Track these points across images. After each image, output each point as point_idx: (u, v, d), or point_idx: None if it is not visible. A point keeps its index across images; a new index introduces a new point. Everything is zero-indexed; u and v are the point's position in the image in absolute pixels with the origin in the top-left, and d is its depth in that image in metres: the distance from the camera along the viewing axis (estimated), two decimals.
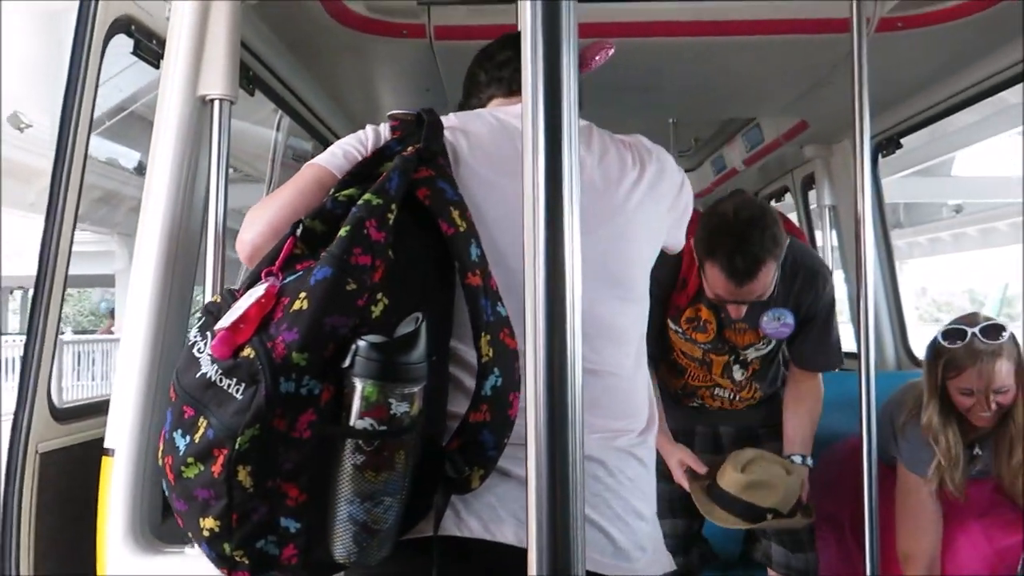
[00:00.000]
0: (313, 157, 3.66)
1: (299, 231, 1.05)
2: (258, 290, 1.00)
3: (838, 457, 2.37)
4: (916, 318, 18.63)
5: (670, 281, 2.17)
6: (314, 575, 1.02)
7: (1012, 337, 2.02)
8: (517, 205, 1.17)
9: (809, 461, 2.17)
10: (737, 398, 2.38)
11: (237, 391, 0.96)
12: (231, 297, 1.04)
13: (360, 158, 1.23)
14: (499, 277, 1.10)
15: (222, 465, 0.95)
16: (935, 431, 2.08)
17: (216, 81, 1.79)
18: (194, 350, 1.03)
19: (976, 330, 2.01)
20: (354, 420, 0.94)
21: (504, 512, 1.08)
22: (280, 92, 2.53)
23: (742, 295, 1.99)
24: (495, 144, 1.24)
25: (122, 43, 1.94)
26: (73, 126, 1.77)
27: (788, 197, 4.49)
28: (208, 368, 0.99)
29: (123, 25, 1.87)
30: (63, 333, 13.54)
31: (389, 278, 1.02)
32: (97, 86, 1.83)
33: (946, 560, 2.15)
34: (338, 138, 3.45)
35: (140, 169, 9.40)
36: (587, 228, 1.22)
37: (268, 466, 0.95)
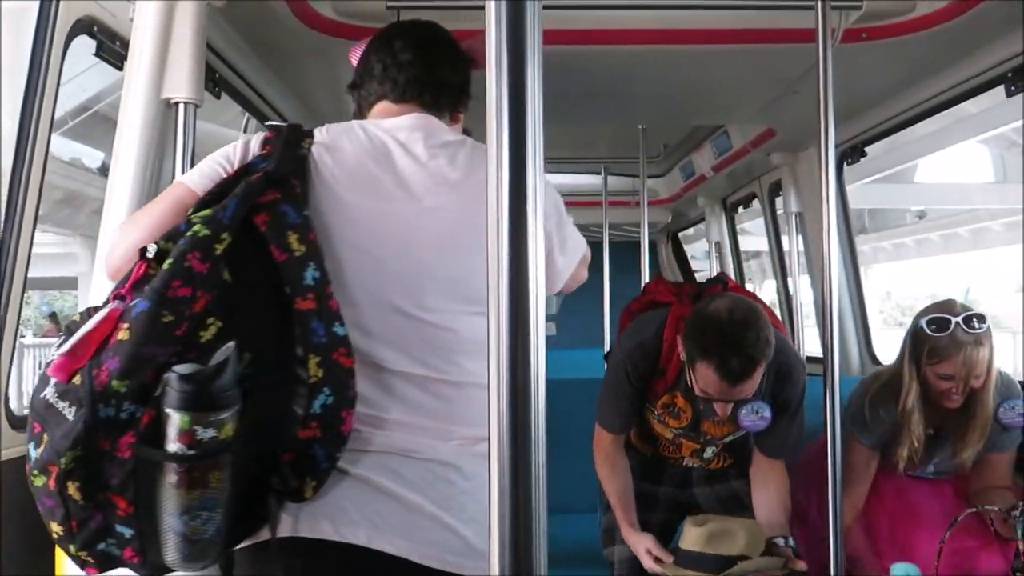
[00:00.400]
0: None
1: (150, 253, 1.09)
2: (101, 314, 1.07)
3: (807, 456, 2.40)
4: (881, 322, 18.94)
5: (649, 369, 2.21)
6: (157, 572, 1.12)
7: (987, 333, 2.12)
8: (373, 226, 1.21)
9: (791, 542, 2.13)
10: (704, 470, 2.42)
11: (69, 413, 1.04)
12: (88, 317, 1.09)
13: (225, 175, 1.24)
14: (342, 296, 1.16)
15: (55, 480, 1.05)
16: (909, 413, 2.17)
17: (181, 84, 1.77)
18: (48, 368, 1.08)
19: (960, 319, 2.09)
20: (168, 444, 1.03)
21: (357, 515, 1.14)
22: (247, 95, 2.50)
23: (733, 395, 2.01)
24: (359, 164, 1.27)
25: (86, 41, 1.91)
26: (33, 127, 1.73)
27: (756, 203, 4.55)
28: (48, 389, 1.06)
29: (85, 26, 1.84)
30: (24, 337, 13.27)
31: (222, 303, 1.09)
32: (58, 87, 1.79)
33: (907, 558, 2.19)
34: None
35: (104, 170, 9.26)
36: (453, 248, 1.19)
37: (96, 481, 1.04)
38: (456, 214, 1.24)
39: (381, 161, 1.27)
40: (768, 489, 2.26)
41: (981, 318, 2.10)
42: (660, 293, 2.37)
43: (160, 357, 1.04)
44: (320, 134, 1.31)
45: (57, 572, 1.71)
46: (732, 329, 1.95)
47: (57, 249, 12.35)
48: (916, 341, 2.17)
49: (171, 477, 1.03)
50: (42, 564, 1.76)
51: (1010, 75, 2.29)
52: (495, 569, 0.52)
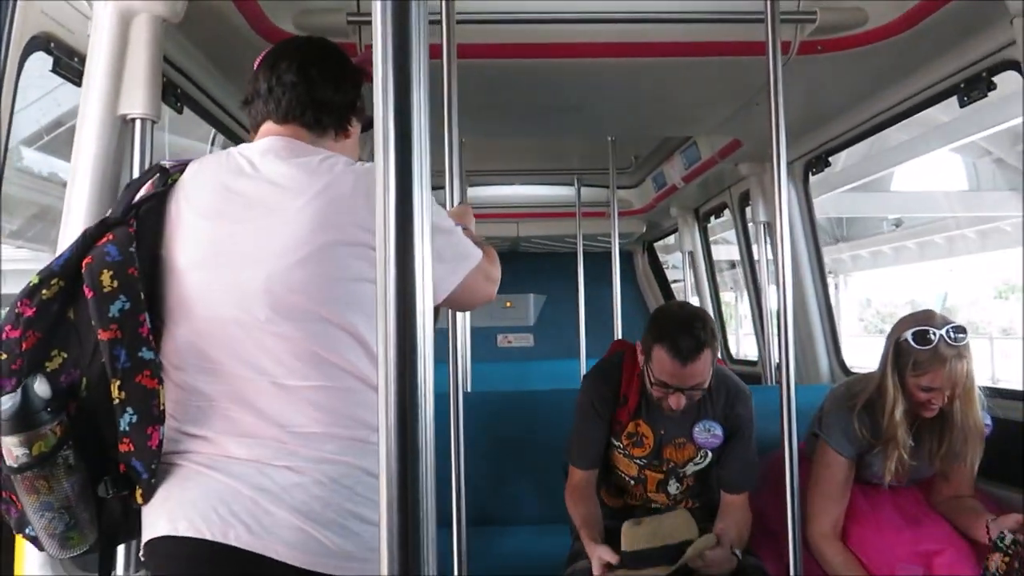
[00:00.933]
0: None
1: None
2: None
3: (774, 466, 2.41)
4: (862, 329, 19.06)
5: (612, 396, 2.36)
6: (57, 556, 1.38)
7: (966, 346, 2.12)
8: (220, 246, 1.31)
9: (738, 552, 2.19)
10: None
11: None
12: None
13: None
14: (184, 313, 1.31)
15: None
16: (896, 426, 2.16)
17: (137, 100, 1.77)
18: None
19: (943, 332, 2.09)
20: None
21: (191, 511, 1.27)
22: (210, 109, 2.50)
23: (685, 377, 2.17)
24: (214, 189, 1.36)
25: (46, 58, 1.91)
26: None
27: (727, 212, 4.59)
28: None
29: (41, 42, 1.84)
30: None
31: (64, 337, 1.28)
32: (14, 102, 1.78)
33: (879, 560, 2.20)
34: None
35: None
36: (297, 260, 1.27)
37: None
38: (302, 227, 1.29)
39: (233, 183, 1.36)
40: (726, 518, 2.30)
41: (962, 330, 2.12)
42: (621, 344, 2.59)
43: (6, 388, 1.22)
44: (191, 167, 1.41)
45: (16, 570, 1.70)
46: (682, 317, 2.22)
47: (32, 265, 12.25)
48: (899, 353, 2.16)
49: (16, 486, 1.25)
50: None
51: (963, 85, 2.33)
52: (384, 570, 0.53)
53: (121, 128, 1.80)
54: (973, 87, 2.29)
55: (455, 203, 1.91)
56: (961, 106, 2.36)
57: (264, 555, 1.23)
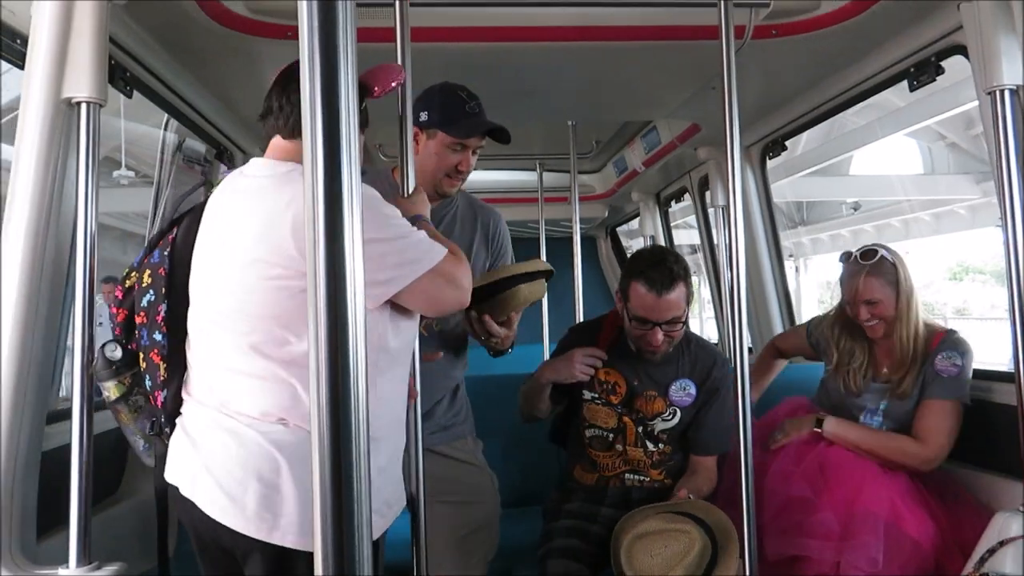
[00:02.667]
0: (205, 159, 3.54)
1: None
2: None
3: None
4: (822, 310, 19.35)
5: (589, 341, 2.50)
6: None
7: (887, 260, 2.42)
8: (209, 250, 1.55)
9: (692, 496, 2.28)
10: (647, 479, 2.47)
11: None
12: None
13: None
14: (192, 306, 1.59)
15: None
16: (836, 334, 2.55)
17: (82, 83, 1.73)
18: None
19: (856, 253, 2.46)
20: None
21: (177, 465, 1.58)
22: (162, 93, 2.45)
23: (661, 309, 2.29)
24: (214, 199, 1.62)
25: None
26: None
27: (688, 197, 4.62)
28: None
29: None
30: None
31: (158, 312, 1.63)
32: None
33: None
34: (229, 140, 3.35)
35: None
36: (241, 263, 1.52)
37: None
38: (253, 232, 1.49)
39: (225, 198, 1.60)
40: (693, 478, 2.39)
41: (871, 253, 2.43)
42: None
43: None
44: (223, 183, 1.65)
45: None
46: (656, 253, 2.41)
47: None
48: (842, 283, 2.51)
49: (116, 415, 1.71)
50: None
51: (912, 70, 2.37)
52: (319, 569, 0.53)
53: (67, 112, 1.76)
54: (922, 71, 2.33)
55: (413, 188, 1.90)
56: (911, 90, 2.40)
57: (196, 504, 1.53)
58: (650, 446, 2.45)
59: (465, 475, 2.27)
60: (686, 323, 2.39)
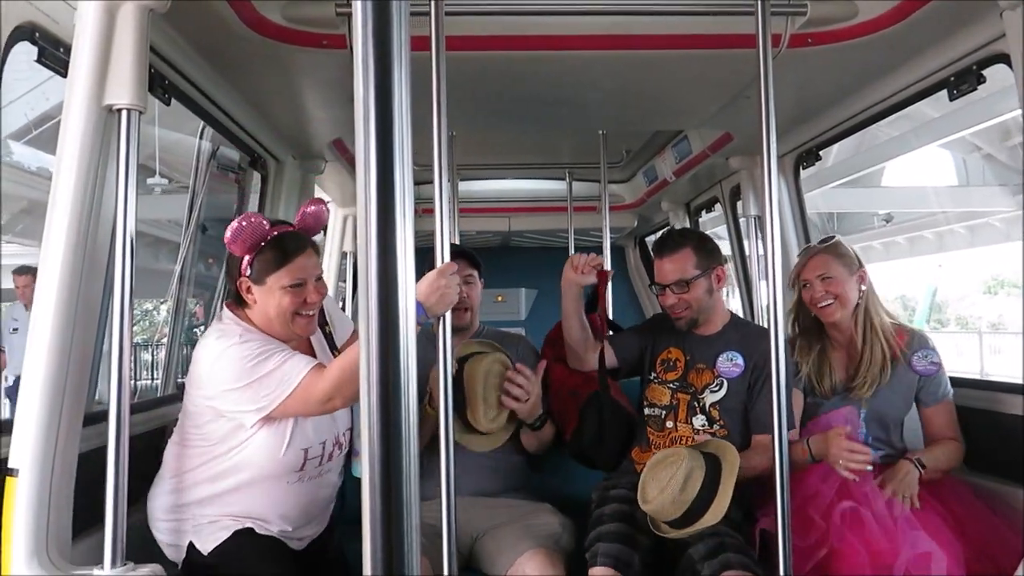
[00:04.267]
0: (239, 167, 3.60)
1: None
2: None
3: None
4: None
5: (656, 335, 2.65)
6: None
7: (844, 245, 2.49)
8: None
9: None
10: None
11: None
12: None
13: None
14: None
15: None
16: (795, 335, 2.54)
17: (123, 90, 1.75)
18: None
19: (813, 243, 2.55)
20: None
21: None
22: (199, 101, 2.48)
23: (664, 271, 2.51)
24: None
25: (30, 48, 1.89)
26: None
27: (719, 207, 4.59)
28: None
29: (26, 32, 1.82)
30: None
31: None
32: None
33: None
34: (263, 148, 3.40)
35: None
36: None
37: None
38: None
39: None
40: (748, 452, 2.39)
41: (831, 238, 2.51)
42: None
43: None
44: None
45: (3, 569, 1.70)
46: (665, 231, 2.72)
47: (21, 260, 12.15)
48: (793, 273, 2.55)
49: None
50: None
51: (952, 79, 2.33)
52: (368, 568, 0.53)
53: (107, 119, 1.78)
54: (963, 80, 2.29)
55: (445, 197, 1.89)
56: (951, 99, 2.36)
57: None
58: (696, 423, 2.47)
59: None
60: (708, 292, 2.51)
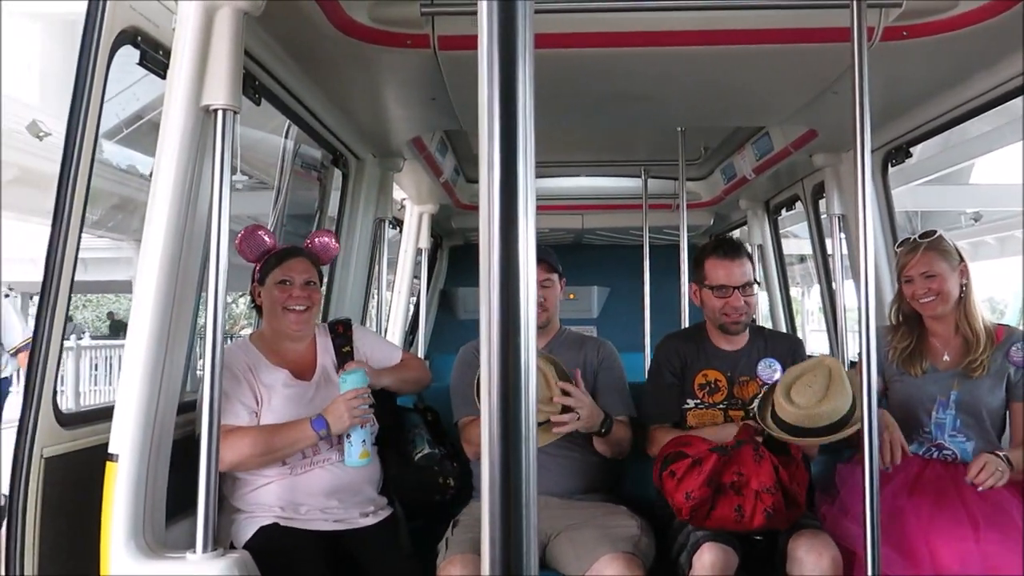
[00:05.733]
0: (322, 165, 3.70)
1: None
2: None
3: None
4: None
5: (681, 362, 2.63)
6: None
7: (946, 240, 2.50)
8: None
9: None
10: None
11: None
12: None
13: None
14: None
15: None
16: (895, 322, 2.57)
17: (219, 91, 1.81)
18: None
19: (915, 236, 2.54)
20: None
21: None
22: (287, 101, 2.55)
23: (735, 272, 2.54)
24: None
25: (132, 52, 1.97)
26: (80, 134, 1.80)
27: (799, 205, 4.48)
28: None
29: (130, 36, 1.90)
30: (81, 338, 13.66)
31: None
32: (104, 95, 1.85)
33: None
34: (345, 146, 3.47)
35: None
36: None
37: None
38: None
39: None
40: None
41: (933, 233, 2.52)
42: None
43: None
44: None
45: (102, 569, 1.76)
46: (719, 237, 2.76)
47: (112, 254, 12.69)
48: (898, 270, 2.56)
49: None
50: (83, 564, 1.82)
51: None
52: (486, 568, 0.53)
53: (204, 118, 1.85)
54: None
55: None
56: None
57: None
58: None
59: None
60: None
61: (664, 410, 2.54)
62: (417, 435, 2.58)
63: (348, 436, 2.26)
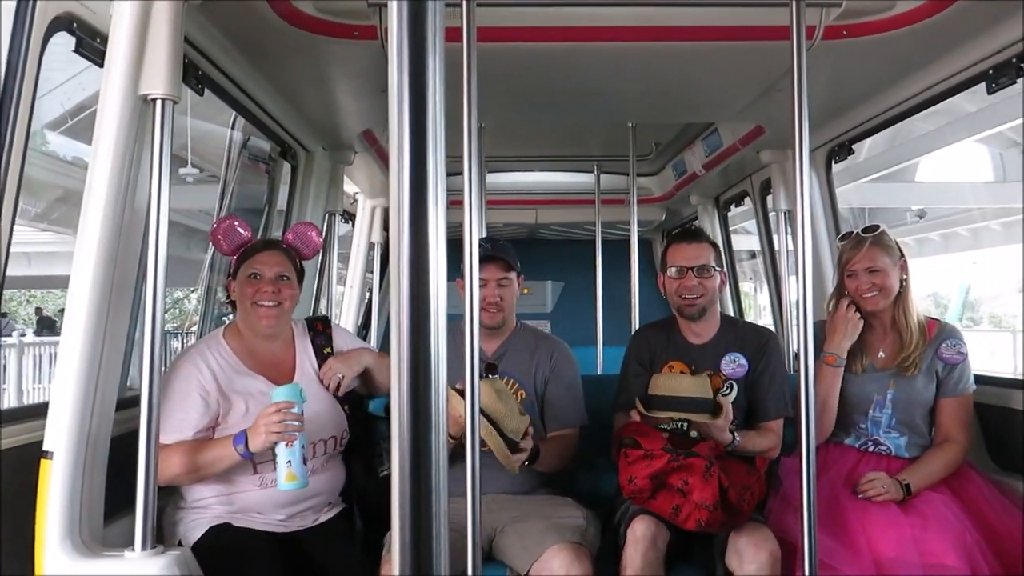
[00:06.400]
0: (270, 158, 3.65)
1: None
2: None
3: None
4: None
5: (650, 353, 2.65)
6: None
7: (888, 235, 2.52)
8: None
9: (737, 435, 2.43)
10: None
11: None
12: None
13: None
14: None
15: None
16: (838, 315, 2.54)
17: (158, 80, 1.77)
18: None
19: (859, 229, 2.56)
20: None
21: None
22: (231, 92, 2.50)
23: (691, 253, 2.56)
24: None
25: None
26: (11, 125, 1.74)
27: (748, 201, 4.55)
28: None
29: (65, 22, 1.84)
30: (24, 335, 13.29)
31: None
32: (36, 83, 1.80)
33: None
34: (293, 139, 3.43)
35: None
36: None
37: None
38: None
39: None
40: (752, 432, 2.50)
41: (877, 228, 2.53)
42: None
43: None
44: None
45: (36, 569, 1.72)
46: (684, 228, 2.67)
47: (58, 248, 12.37)
48: (839, 263, 2.57)
49: None
50: (18, 563, 1.78)
51: (991, 72, 2.29)
52: (396, 565, 0.53)
53: (142, 108, 1.81)
54: (1002, 74, 2.25)
55: (474, 189, 1.89)
56: (989, 92, 2.32)
57: None
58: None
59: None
60: (720, 289, 2.62)
61: (628, 399, 2.54)
62: (385, 449, 2.51)
63: (274, 456, 2.09)
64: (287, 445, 2.05)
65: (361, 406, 2.53)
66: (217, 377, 2.21)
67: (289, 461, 2.05)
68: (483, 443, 2.36)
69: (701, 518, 2.16)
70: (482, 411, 2.24)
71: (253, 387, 2.23)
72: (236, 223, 2.32)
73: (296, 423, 2.05)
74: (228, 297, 2.37)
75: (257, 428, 2.05)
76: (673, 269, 2.58)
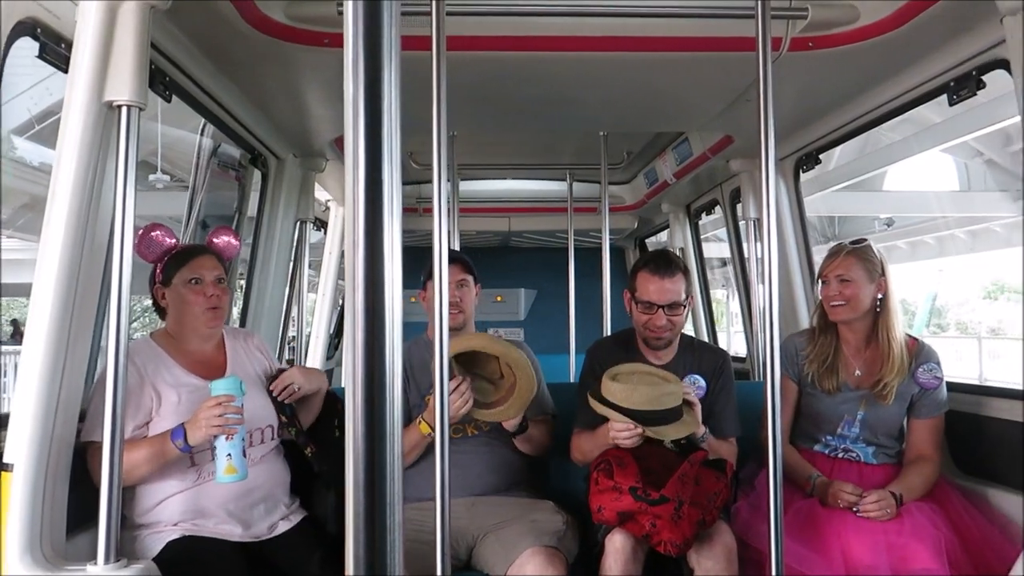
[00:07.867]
0: (240, 165, 3.62)
1: None
2: None
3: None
4: None
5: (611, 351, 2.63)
6: None
7: (873, 251, 2.49)
8: None
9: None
10: None
11: None
12: None
13: None
14: None
15: None
16: (815, 331, 2.55)
17: (123, 87, 1.75)
18: None
19: (845, 242, 2.54)
20: None
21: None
22: (200, 99, 2.48)
23: (665, 291, 2.49)
24: None
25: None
26: None
27: (718, 209, 4.59)
28: None
29: (28, 27, 1.82)
30: None
31: None
32: (0, 89, 1.77)
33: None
34: (264, 146, 3.41)
35: None
36: None
37: None
38: None
39: None
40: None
41: (861, 241, 2.52)
42: None
43: None
44: None
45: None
46: (657, 250, 2.77)
47: (24, 255, 12.14)
48: (819, 270, 2.56)
49: None
50: None
51: (952, 84, 2.33)
52: (350, 568, 0.53)
53: (107, 115, 1.78)
54: (963, 86, 2.30)
55: (444, 197, 1.89)
56: (951, 104, 2.36)
57: None
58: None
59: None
60: (686, 317, 2.59)
61: (587, 416, 2.52)
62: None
63: (213, 448, 2.06)
64: (227, 438, 2.03)
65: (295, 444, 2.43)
66: (146, 372, 2.17)
67: (229, 454, 2.03)
68: (489, 404, 2.46)
69: (668, 551, 2.15)
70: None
71: (185, 380, 2.21)
72: (158, 231, 2.32)
73: (237, 416, 2.03)
74: (155, 304, 2.34)
75: (197, 422, 2.02)
76: (644, 303, 2.52)
